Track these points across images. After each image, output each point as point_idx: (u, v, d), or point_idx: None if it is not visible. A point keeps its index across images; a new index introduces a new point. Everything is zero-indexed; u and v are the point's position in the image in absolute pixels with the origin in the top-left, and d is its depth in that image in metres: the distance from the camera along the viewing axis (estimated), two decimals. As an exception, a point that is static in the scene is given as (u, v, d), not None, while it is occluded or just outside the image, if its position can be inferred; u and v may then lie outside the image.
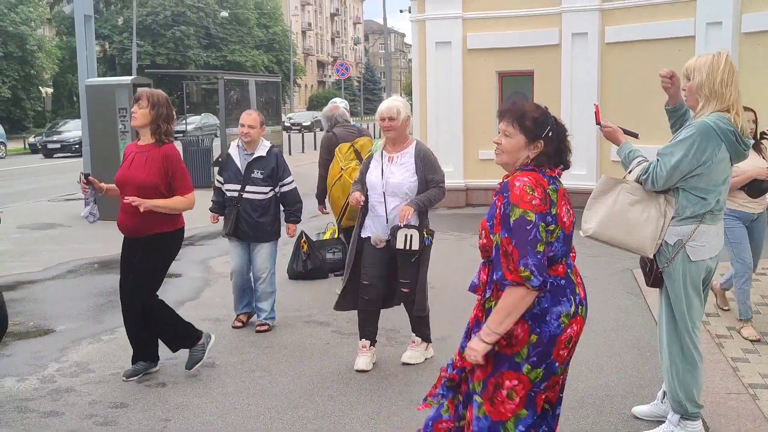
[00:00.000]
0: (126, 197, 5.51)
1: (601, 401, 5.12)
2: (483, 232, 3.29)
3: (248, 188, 6.76)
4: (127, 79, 14.38)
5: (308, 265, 8.70)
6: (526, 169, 3.23)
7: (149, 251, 5.67)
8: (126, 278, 5.83)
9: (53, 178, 22.64)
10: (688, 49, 11.62)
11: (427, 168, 5.70)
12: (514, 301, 3.11)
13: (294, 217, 6.97)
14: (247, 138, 6.73)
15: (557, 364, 3.26)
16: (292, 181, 6.94)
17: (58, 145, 33.46)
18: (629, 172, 4.37)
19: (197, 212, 6.41)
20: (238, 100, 22.36)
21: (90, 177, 5.84)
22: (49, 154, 33.10)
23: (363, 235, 5.83)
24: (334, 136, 7.89)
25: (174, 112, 5.82)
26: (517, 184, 3.13)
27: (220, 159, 19.55)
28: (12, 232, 12.57)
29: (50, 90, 52.88)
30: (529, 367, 3.21)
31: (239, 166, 6.80)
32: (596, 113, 4.64)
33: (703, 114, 4.20)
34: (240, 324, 7.03)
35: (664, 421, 4.54)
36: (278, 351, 6.38)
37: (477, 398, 3.29)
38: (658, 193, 4.27)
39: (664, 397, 4.68)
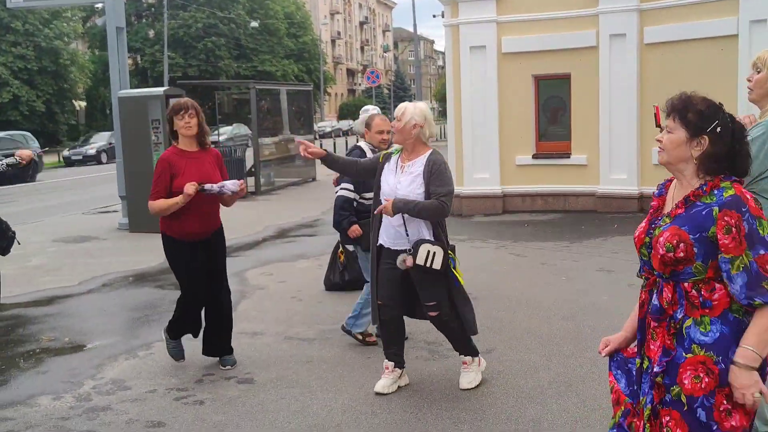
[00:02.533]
0: (237, 182, 5.87)
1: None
2: (681, 245, 2.84)
3: (365, 195, 6.45)
4: (159, 90, 14.34)
5: (345, 275, 8.50)
6: (734, 180, 2.88)
7: (219, 244, 6.18)
8: (201, 280, 6.02)
9: (87, 192, 22.72)
10: (731, 49, 11.35)
11: (432, 179, 5.21)
12: None
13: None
14: (386, 144, 6.47)
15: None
16: (339, 188, 6.53)
17: (80, 157, 36.36)
18: None
19: (232, 223, 6.30)
20: (269, 110, 22.33)
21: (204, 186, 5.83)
22: (72, 165, 35.64)
23: (378, 242, 5.50)
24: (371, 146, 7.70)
25: None
26: (749, 196, 2.82)
27: (253, 169, 19.61)
28: (48, 246, 12.55)
29: (83, 103, 53.44)
30: None
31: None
32: (656, 114, 4.38)
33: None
34: (374, 341, 6.62)
35: None
36: (318, 366, 6.19)
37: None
38: None
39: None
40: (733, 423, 2.79)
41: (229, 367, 6.18)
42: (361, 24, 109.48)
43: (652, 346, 2.97)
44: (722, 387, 2.78)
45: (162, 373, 6.14)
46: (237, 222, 6.45)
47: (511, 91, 13.97)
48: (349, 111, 76.66)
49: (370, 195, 5.94)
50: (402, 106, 5.42)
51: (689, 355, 2.83)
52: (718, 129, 2.86)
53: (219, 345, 6.26)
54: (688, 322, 2.85)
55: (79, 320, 7.98)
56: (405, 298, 5.51)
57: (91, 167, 34.56)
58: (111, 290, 9.35)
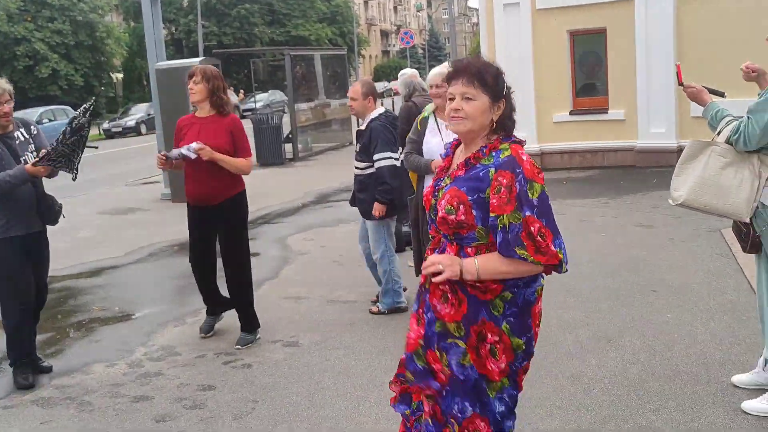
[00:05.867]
0: (198, 143, 5.73)
1: (698, 370, 4.92)
2: (461, 207, 2.84)
3: (355, 162, 6.57)
4: (195, 60, 14.49)
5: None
6: (513, 141, 2.90)
7: (234, 214, 6.03)
8: (205, 252, 6.14)
9: (128, 163, 23.05)
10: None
11: None
12: (520, 271, 2.82)
13: (378, 195, 6.32)
14: (352, 111, 6.56)
15: (533, 342, 2.99)
16: (386, 157, 6.30)
17: (119, 129, 36.89)
18: (718, 134, 4.13)
19: (272, 190, 6.41)
20: (305, 75, 22.38)
21: (164, 153, 6.04)
22: (112, 137, 36.07)
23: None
24: (415, 106, 7.73)
25: (226, 84, 6.17)
26: (525, 157, 2.81)
27: (290, 136, 19.73)
28: (93, 219, 12.82)
29: (120, 75, 53.88)
30: (509, 327, 2.90)
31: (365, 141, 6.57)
32: (678, 73, 4.41)
33: None
34: (375, 299, 6.85)
35: (767, 390, 4.33)
36: (359, 327, 6.33)
37: (459, 343, 2.92)
38: (750, 153, 4.04)
39: (765, 365, 4.46)
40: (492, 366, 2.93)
41: (238, 347, 6.06)
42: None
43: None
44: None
45: (210, 338, 6.32)
46: (277, 189, 6.54)
47: (546, 48, 13.86)
48: (384, 73, 76.37)
49: (362, 164, 6.42)
50: (439, 73, 5.60)
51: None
52: (508, 89, 2.91)
53: (240, 316, 6.27)
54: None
55: (127, 290, 8.21)
56: None
57: (131, 138, 34.97)
58: (157, 260, 9.57)
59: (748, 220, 4.11)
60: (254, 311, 6.26)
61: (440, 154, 3.22)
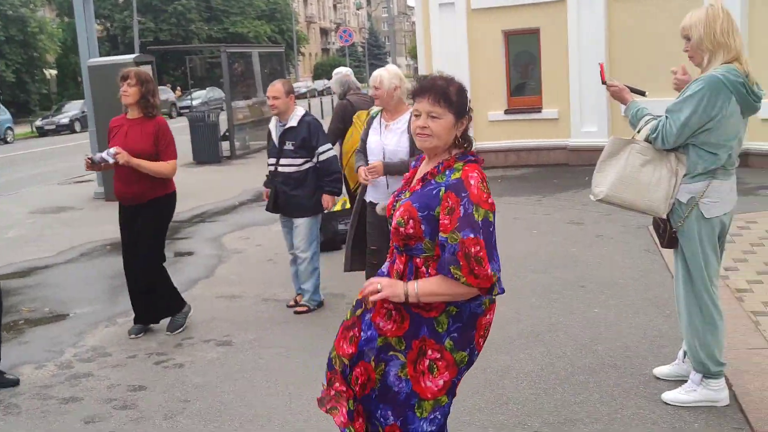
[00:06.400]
0: (116, 148, 5.89)
1: (622, 362, 5.07)
2: (411, 221, 2.91)
3: (282, 161, 6.56)
4: (129, 57, 14.28)
5: (320, 237, 8.60)
6: (468, 160, 2.95)
7: (154, 215, 6.13)
8: (132, 249, 6.19)
9: (60, 161, 22.61)
10: (696, -1, 11.43)
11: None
12: (456, 294, 2.88)
13: (329, 187, 6.56)
14: (275, 110, 6.53)
15: (477, 352, 3.07)
16: (329, 149, 6.58)
17: (53, 127, 36.27)
18: (638, 132, 4.28)
19: (208, 188, 6.41)
20: (242, 73, 22.23)
21: (90, 156, 6.11)
22: (45, 135, 35.55)
23: (366, 199, 5.86)
24: (350, 104, 7.78)
25: (157, 87, 6.33)
26: (472, 182, 2.85)
27: (227, 134, 19.59)
28: (24, 218, 12.58)
29: (54, 72, 52.74)
30: (452, 344, 2.97)
31: (274, 140, 6.61)
32: (601, 72, 4.55)
33: (710, 68, 4.09)
34: (293, 303, 6.82)
35: (686, 381, 4.48)
36: (294, 325, 6.35)
37: (399, 356, 2.97)
38: (668, 151, 4.18)
39: (685, 357, 4.62)
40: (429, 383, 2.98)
41: (169, 333, 6.31)
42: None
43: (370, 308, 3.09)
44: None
45: (142, 338, 6.27)
46: (213, 187, 6.50)
47: (481, 48, 14.02)
48: (324, 70, 76.13)
49: (269, 160, 6.67)
50: (377, 75, 5.74)
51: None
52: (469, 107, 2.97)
53: (146, 315, 6.39)
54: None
55: (58, 290, 8.08)
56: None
57: (65, 136, 34.35)
58: (89, 259, 9.44)
59: (665, 217, 4.25)
60: (175, 290, 6.44)
61: (413, 164, 3.24)
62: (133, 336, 6.29)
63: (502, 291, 2.92)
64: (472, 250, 2.78)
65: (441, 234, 2.84)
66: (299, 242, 6.64)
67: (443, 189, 2.87)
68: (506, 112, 14.14)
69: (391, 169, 5.54)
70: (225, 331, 6.31)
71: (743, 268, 6.67)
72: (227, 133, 19.68)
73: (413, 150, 5.61)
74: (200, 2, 56.73)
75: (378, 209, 5.67)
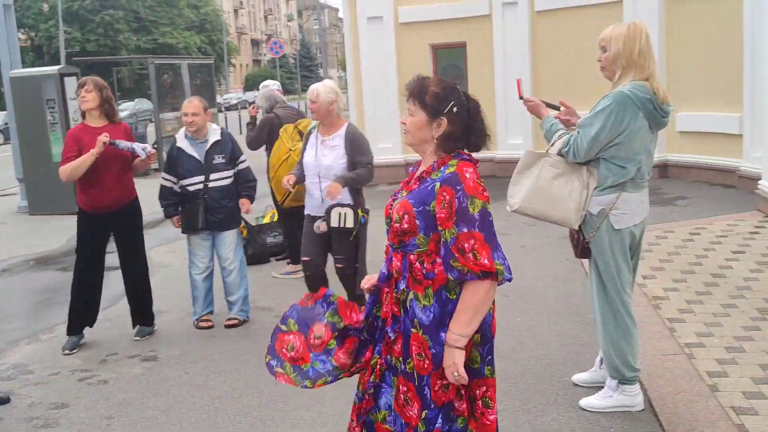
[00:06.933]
0: (151, 148, 6.20)
1: (543, 370, 5.20)
2: (406, 216, 3.01)
3: (213, 176, 6.45)
4: (53, 68, 13.99)
5: (248, 250, 8.56)
6: (462, 158, 3.06)
7: (136, 216, 6.44)
8: (98, 260, 6.34)
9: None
10: (616, 14, 11.78)
11: (355, 150, 5.89)
12: (480, 298, 2.91)
13: (248, 192, 6.67)
14: (194, 127, 6.42)
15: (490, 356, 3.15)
16: (245, 159, 6.72)
17: None
18: (551, 145, 4.41)
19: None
20: (172, 84, 22.00)
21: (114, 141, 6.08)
22: None
23: (305, 212, 6.11)
24: (277, 117, 7.84)
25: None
26: (467, 175, 2.97)
27: (155, 146, 19.34)
28: (-57, 233, 12.21)
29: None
30: (490, 368, 3.09)
31: (197, 157, 6.46)
32: (518, 87, 4.69)
33: (620, 84, 4.25)
34: (211, 325, 6.69)
35: (603, 387, 4.63)
36: (221, 340, 6.34)
37: (458, 422, 3.06)
38: (580, 164, 4.32)
39: (601, 364, 4.77)
40: (448, 397, 3.04)
41: (137, 338, 6.46)
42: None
43: (384, 308, 3.20)
44: (436, 370, 3.01)
45: (66, 355, 6.17)
46: (141, 200, 6.40)
47: (409, 61, 14.16)
48: (255, 82, 75.65)
49: (183, 182, 6.45)
50: (314, 89, 5.92)
51: (414, 331, 3.05)
52: (455, 109, 3.04)
53: (136, 313, 6.57)
54: (411, 295, 3.05)
55: (-22, 307, 7.89)
56: (324, 255, 6.13)
57: (-14, 149, 33.41)
58: (11, 275, 9.24)
59: (577, 228, 4.40)
60: (152, 302, 6.66)
61: (410, 169, 3.31)
62: (67, 352, 6.21)
63: (509, 279, 2.97)
64: (466, 245, 2.88)
65: (439, 227, 2.95)
66: (228, 252, 6.64)
67: (438, 184, 2.96)
68: (435, 124, 14.28)
69: (347, 183, 5.80)
70: (150, 347, 6.26)
71: (660, 276, 6.90)
72: (155, 145, 19.43)
73: (352, 166, 5.90)
74: (129, 13, 55.91)
75: (314, 228, 5.93)
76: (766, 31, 8.70)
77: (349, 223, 5.80)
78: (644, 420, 4.41)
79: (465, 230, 2.89)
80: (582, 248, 4.44)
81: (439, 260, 2.97)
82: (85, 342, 6.36)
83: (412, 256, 3.05)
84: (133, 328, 6.55)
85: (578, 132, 4.24)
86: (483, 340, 3.06)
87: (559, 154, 4.32)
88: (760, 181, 9.05)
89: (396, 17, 14.13)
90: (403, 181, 3.30)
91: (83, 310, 6.32)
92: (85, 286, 6.30)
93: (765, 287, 6.34)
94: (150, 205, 7.20)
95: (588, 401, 4.60)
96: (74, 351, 6.25)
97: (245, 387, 5.30)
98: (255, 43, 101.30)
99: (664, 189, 11.23)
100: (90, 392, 5.41)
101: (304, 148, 6.06)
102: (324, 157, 5.86)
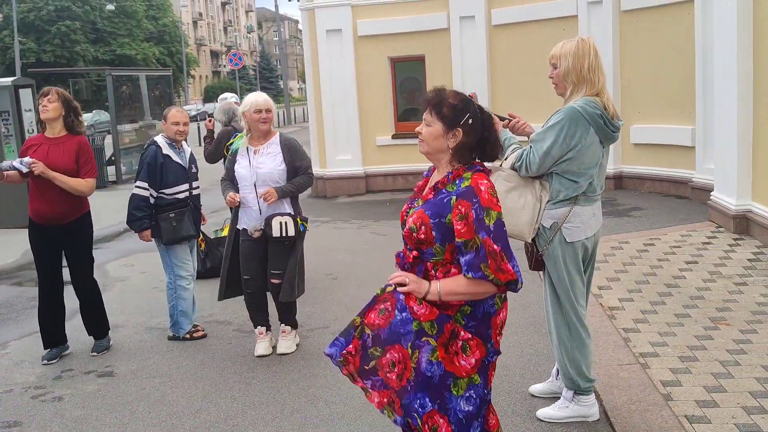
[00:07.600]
0: (31, 158, 5.88)
1: (500, 381, 5.22)
2: (423, 228, 3.11)
3: (194, 184, 6.64)
4: (7, 80, 13.81)
5: (207, 263, 8.55)
6: (477, 170, 3.16)
7: (84, 232, 6.26)
8: (53, 272, 6.21)
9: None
10: (571, 28, 11.96)
11: (293, 156, 5.96)
12: (478, 292, 3.07)
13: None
14: (183, 136, 6.49)
15: (496, 350, 3.21)
16: (135, 186, 6.57)
17: None
18: (505, 159, 4.46)
19: (93, 214, 6.35)
20: (130, 96, 21.84)
21: None
22: None
23: (239, 227, 6.07)
24: (234, 130, 7.84)
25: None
26: (482, 188, 3.06)
27: (113, 158, 19.16)
28: None
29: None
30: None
31: (183, 164, 6.50)
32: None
33: (571, 99, 4.31)
34: (205, 333, 6.72)
35: (559, 398, 4.68)
36: (179, 354, 6.29)
37: (431, 341, 3.09)
38: (533, 178, 4.38)
39: (558, 374, 4.82)
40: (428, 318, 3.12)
41: (94, 353, 6.37)
42: (223, 4, 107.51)
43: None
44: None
45: (18, 372, 6.08)
46: (98, 213, 6.33)
47: (368, 74, 14.25)
48: (214, 93, 75.13)
49: (171, 190, 6.42)
50: (267, 99, 5.98)
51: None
52: (470, 121, 3.17)
53: (89, 327, 6.51)
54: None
55: (-71, 324, 7.73)
56: (265, 272, 6.09)
57: (-61, 161, 32.79)
58: (-37, 291, 9.07)
59: (530, 240, 4.45)
60: (106, 315, 6.55)
61: (424, 174, 3.40)
62: (45, 362, 6.21)
63: (520, 287, 3.10)
64: (494, 248, 2.99)
65: (457, 240, 3.04)
66: (182, 265, 6.69)
67: (454, 198, 3.06)
68: (393, 136, 14.36)
69: (285, 193, 5.85)
70: (107, 362, 6.19)
71: (615, 287, 6.99)
72: (113, 158, 19.26)
73: (294, 172, 5.94)
74: (86, 24, 55.33)
75: (249, 230, 5.95)
76: (717, 44, 8.88)
77: (291, 232, 5.87)
78: (600, 430, 4.46)
79: (484, 236, 3.01)
80: (536, 260, 4.50)
81: (453, 270, 3.10)
82: (38, 359, 6.26)
83: (428, 264, 3.17)
84: (89, 336, 6.51)
85: (530, 147, 4.30)
86: (471, 316, 3.14)
87: (513, 168, 4.38)
88: (712, 193, 9.22)
89: (355, 30, 14.18)
90: (417, 186, 3.41)
91: (51, 322, 6.29)
92: (45, 299, 6.25)
93: (717, 297, 6.46)
94: (107, 218, 7.13)
95: (545, 412, 4.64)
96: (53, 361, 6.25)
97: (203, 402, 5.26)
98: (214, 55, 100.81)
99: (619, 200, 11.39)
100: (44, 410, 5.33)
101: (234, 162, 6.01)
102: (261, 165, 5.88)
